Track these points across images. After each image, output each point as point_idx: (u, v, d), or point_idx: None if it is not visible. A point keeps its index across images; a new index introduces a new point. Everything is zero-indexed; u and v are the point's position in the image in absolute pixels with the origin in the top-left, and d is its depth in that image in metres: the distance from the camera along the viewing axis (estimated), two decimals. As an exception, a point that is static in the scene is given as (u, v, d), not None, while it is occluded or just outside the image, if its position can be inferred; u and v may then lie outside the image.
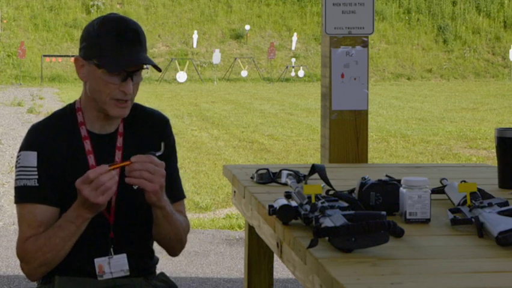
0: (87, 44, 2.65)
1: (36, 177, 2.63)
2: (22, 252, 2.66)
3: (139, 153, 2.69)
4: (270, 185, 3.25)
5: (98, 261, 2.69)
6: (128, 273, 2.72)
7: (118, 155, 2.71)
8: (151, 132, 2.79)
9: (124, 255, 2.71)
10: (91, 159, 2.67)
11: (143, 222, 2.76)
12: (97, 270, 2.69)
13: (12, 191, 8.85)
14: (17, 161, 2.68)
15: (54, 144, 2.65)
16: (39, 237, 2.61)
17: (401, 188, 2.58)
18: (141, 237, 2.79)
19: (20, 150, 2.68)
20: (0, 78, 31.30)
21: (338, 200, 2.51)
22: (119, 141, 2.72)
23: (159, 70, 2.65)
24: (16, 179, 2.67)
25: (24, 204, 2.65)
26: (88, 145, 2.68)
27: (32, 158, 2.64)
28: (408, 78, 35.30)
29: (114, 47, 2.61)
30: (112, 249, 2.70)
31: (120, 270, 2.71)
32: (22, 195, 2.66)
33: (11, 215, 7.81)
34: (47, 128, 2.69)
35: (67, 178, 2.64)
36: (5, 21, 34.87)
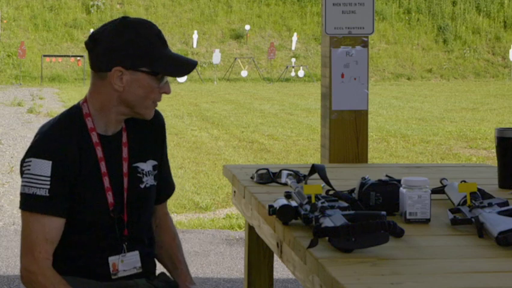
0: (129, 52, 2.60)
1: (48, 187, 2.60)
2: (31, 274, 2.64)
3: (142, 149, 2.73)
4: (270, 185, 3.25)
5: (112, 260, 2.70)
6: (140, 270, 2.73)
7: (125, 151, 2.71)
8: (152, 129, 2.80)
9: (137, 252, 2.73)
10: (103, 167, 2.67)
11: (148, 222, 2.79)
12: (111, 268, 2.69)
13: (13, 191, 8.86)
14: (25, 167, 2.63)
15: (68, 153, 2.62)
16: (51, 282, 2.61)
17: (401, 188, 2.58)
18: (148, 237, 2.81)
19: (30, 156, 2.62)
20: (0, 78, 31.30)
21: (338, 200, 2.51)
22: (124, 137, 2.73)
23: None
24: (24, 185, 2.63)
25: (32, 213, 2.63)
26: (99, 152, 2.67)
27: (45, 167, 2.59)
28: (408, 78, 35.30)
29: (163, 51, 2.64)
30: (125, 246, 2.70)
31: (133, 267, 2.73)
32: (30, 203, 2.62)
33: (11, 215, 7.80)
34: (59, 135, 2.65)
35: (79, 185, 2.63)
36: (5, 21, 34.87)
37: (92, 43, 2.66)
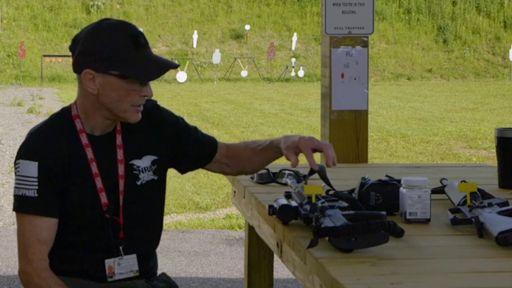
0: (99, 56, 2.59)
1: (36, 187, 2.60)
2: (29, 277, 2.64)
3: (139, 148, 2.72)
4: (270, 185, 3.25)
5: (109, 262, 2.69)
6: (137, 274, 2.72)
7: (120, 153, 2.70)
8: (148, 124, 2.78)
9: (134, 255, 2.72)
10: (94, 168, 2.66)
11: (150, 221, 2.78)
12: (107, 271, 2.69)
13: (13, 191, 8.87)
14: (16, 168, 2.65)
15: (56, 154, 2.62)
16: (47, 283, 2.61)
17: (401, 188, 2.59)
18: (148, 237, 2.80)
19: (19, 158, 2.64)
20: (0, 78, 31.30)
21: (338, 200, 2.51)
22: (119, 140, 2.72)
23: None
24: (15, 187, 2.65)
25: (23, 215, 2.64)
26: (90, 153, 2.66)
27: (32, 168, 2.60)
28: (408, 78, 35.31)
29: (136, 54, 2.59)
30: (121, 249, 2.70)
31: (130, 271, 2.72)
32: (21, 205, 2.64)
33: (11, 215, 7.81)
34: (46, 136, 2.65)
35: (69, 187, 2.63)
36: (5, 21, 34.87)
37: (73, 46, 2.67)
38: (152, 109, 2.79)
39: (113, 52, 2.58)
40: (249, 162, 2.90)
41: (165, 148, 2.79)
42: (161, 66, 2.63)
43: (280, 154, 2.80)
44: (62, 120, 2.69)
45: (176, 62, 32.69)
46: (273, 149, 2.83)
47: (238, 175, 3.07)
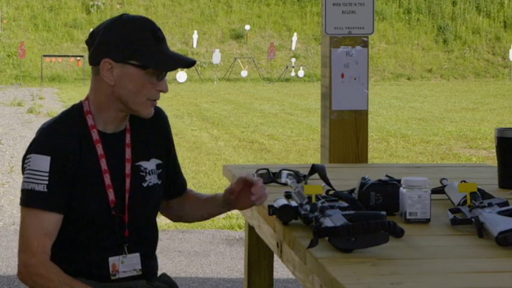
0: (119, 45, 2.60)
1: (46, 182, 2.60)
2: (31, 268, 2.63)
3: (147, 149, 2.74)
4: (270, 185, 3.25)
5: (113, 260, 2.70)
6: (140, 273, 2.73)
7: (128, 152, 2.71)
8: (155, 127, 2.80)
9: (137, 254, 2.73)
10: (103, 164, 2.66)
11: (151, 222, 2.79)
12: (111, 269, 2.69)
13: (13, 191, 8.87)
14: (26, 163, 2.64)
15: (68, 149, 2.62)
16: (54, 272, 2.61)
17: (401, 188, 2.59)
18: (150, 238, 2.81)
19: (30, 152, 2.63)
20: (0, 78, 31.31)
21: (338, 200, 2.51)
22: (128, 138, 2.73)
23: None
24: (24, 181, 2.64)
25: (30, 209, 2.63)
26: (100, 149, 2.67)
27: (44, 162, 2.60)
28: (408, 78, 35.31)
29: (156, 46, 2.63)
30: (126, 248, 2.70)
31: (133, 269, 2.72)
32: (29, 199, 2.63)
33: (11, 215, 7.80)
34: (59, 131, 2.65)
35: (78, 182, 2.63)
36: (5, 21, 34.88)
37: (90, 40, 2.69)
38: (162, 118, 2.82)
39: (133, 42, 2.61)
40: (191, 209, 2.93)
41: (166, 156, 2.82)
42: (179, 60, 2.66)
43: (222, 207, 2.84)
44: (73, 116, 2.70)
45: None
46: (216, 202, 2.87)
47: (176, 221, 3.08)
